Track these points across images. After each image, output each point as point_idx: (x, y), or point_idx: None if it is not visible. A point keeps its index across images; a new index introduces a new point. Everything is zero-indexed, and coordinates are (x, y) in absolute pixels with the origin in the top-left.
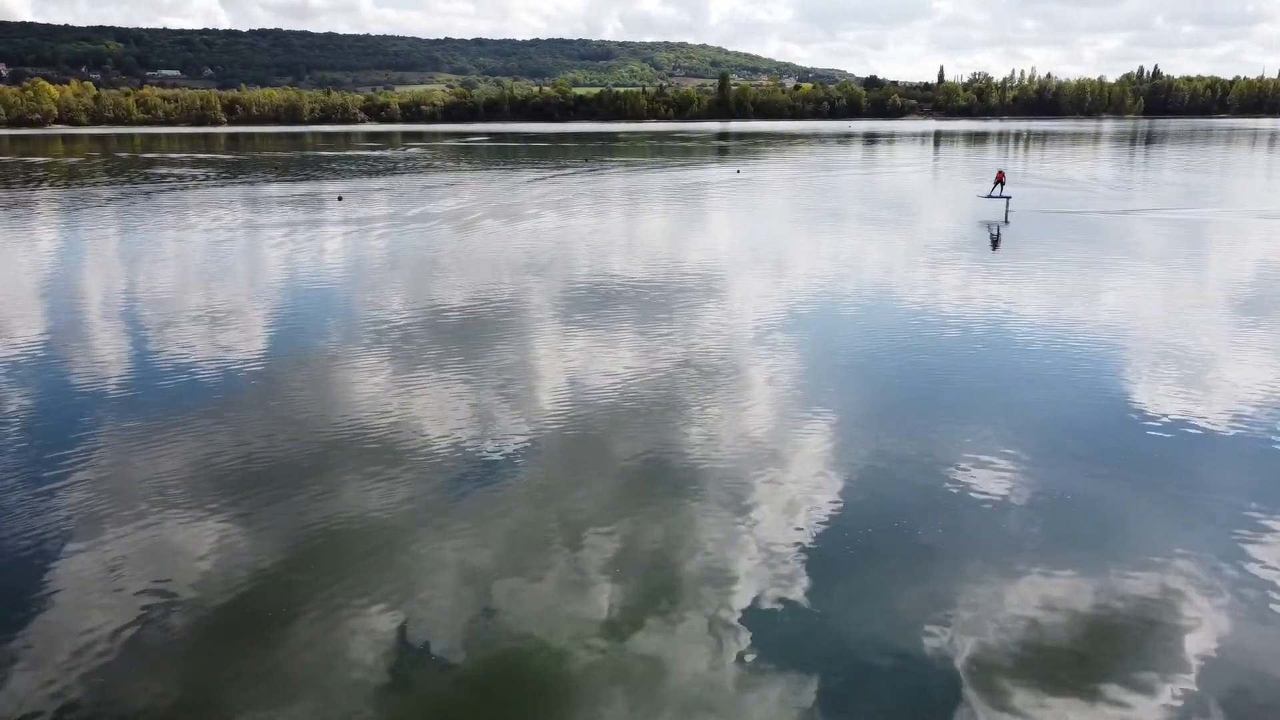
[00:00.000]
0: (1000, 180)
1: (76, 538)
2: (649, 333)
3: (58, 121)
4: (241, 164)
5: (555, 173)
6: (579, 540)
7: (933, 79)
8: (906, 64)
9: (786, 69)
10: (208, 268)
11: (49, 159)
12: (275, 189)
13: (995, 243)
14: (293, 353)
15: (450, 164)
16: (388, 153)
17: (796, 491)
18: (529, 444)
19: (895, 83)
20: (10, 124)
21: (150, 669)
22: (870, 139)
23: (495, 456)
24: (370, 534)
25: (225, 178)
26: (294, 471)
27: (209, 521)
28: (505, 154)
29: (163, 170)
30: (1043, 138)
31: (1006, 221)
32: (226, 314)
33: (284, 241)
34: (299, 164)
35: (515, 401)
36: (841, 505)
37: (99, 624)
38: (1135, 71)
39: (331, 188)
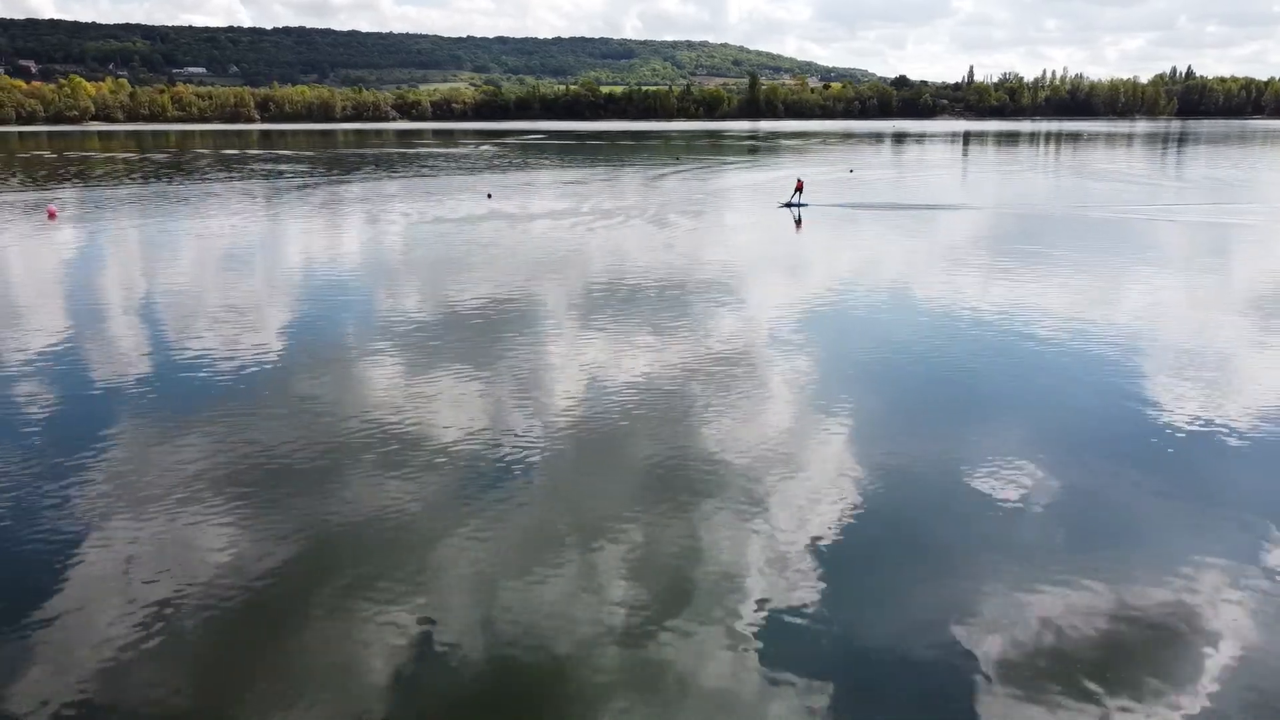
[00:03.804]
0: (799, 188)
1: (97, 531)
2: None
3: (93, 118)
4: (334, 161)
5: (669, 169)
6: (596, 542)
7: (955, 78)
8: (928, 63)
9: (808, 68)
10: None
11: (138, 154)
12: (419, 185)
13: (798, 224)
14: (516, 339)
15: (545, 161)
16: (464, 150)
17: (814, 495)
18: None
19: (925, 82)
20: (48, 120)
21: (168, 664)
22: (917, 138)
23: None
24: (390, 532)
25: (340, 174)
26: (350, 464)
27: (230, 517)
28: (585, 152)
29: (267, 166)
30: (1075, 138)
31: (799, 225)
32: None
33: (544, 233)
34: (387, 161)
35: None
36: (859, 509)
37: (117, 619)
38: (1168, 72)
39: (443, 184)
